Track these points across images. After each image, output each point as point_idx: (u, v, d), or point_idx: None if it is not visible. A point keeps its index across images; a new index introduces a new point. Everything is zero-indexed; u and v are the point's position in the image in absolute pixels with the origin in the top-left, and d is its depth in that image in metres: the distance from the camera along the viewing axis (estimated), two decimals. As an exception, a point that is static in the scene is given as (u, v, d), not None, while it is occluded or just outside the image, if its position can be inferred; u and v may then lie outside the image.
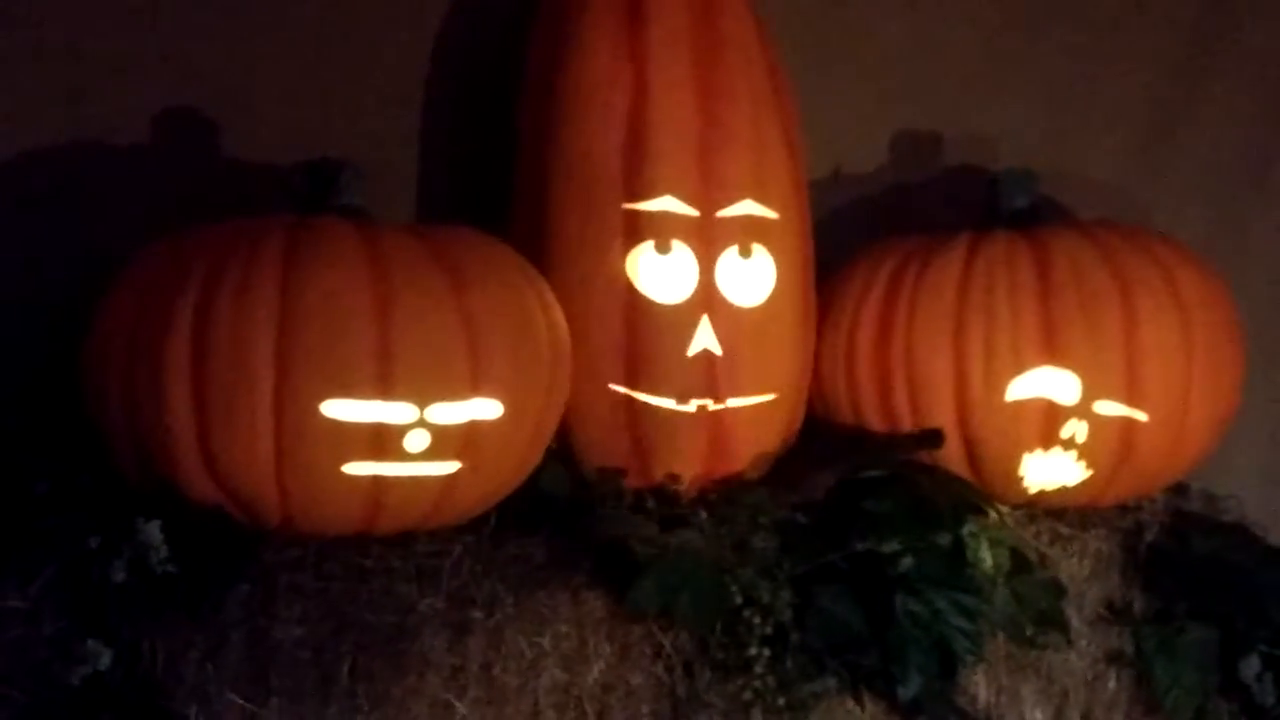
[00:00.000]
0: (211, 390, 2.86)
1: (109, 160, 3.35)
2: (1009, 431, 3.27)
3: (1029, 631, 3.17)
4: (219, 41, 3.40)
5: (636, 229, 3.20)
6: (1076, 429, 3.25)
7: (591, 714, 2.98)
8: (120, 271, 3.01)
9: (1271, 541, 3.41)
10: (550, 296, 3.10)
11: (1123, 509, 3.38)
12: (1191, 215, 3.84)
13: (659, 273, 3.19)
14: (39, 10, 3.34)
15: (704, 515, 3.10)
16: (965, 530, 3.13)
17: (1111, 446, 3.27)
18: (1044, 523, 3.30)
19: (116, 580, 2.79)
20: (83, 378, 3.00)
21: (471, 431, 2.94)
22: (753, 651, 2.98)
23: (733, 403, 3.24)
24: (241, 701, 2.82)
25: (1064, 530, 3.29)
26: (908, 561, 3.06)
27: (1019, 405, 3.26)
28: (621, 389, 3.21)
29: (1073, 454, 3.27)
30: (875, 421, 3.35)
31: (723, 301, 3.21)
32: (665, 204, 3.19)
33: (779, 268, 3.26)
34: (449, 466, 2.95)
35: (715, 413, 3.22)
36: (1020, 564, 3.18)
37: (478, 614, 2.91)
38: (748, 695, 2.99)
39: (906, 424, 3.32)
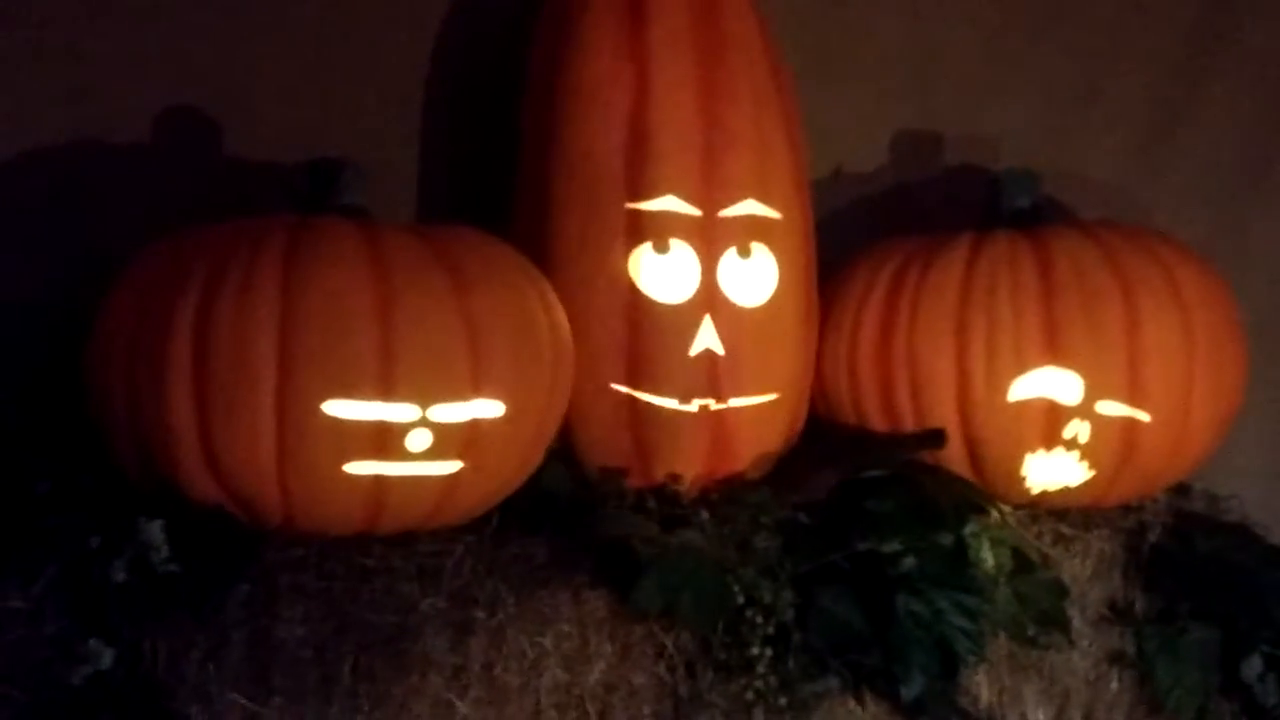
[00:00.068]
0: (213, 390, 2.86)
1: (110, 160, 3.35)
2: (1011, 431, 3.27)
3: (1031, 632, 3.17)
4: (219, 41, 3.40)
5: (638, 229, 3.19)
6: (1079, 429, 3.25)
7: (593, 714, 2.98)
8: (122, 271, 3.01)
9: (1273, 541, 3.41)
10: (552, 296, 3.09)
11: (1125, 509, 3.37)
12: (1191, 215, 3.84)
13: (661, 272, 3.19)
14: (39, 10, 3.33)
15: (706, 515, 3.10)
16: (967, 530, 3.13)
17: (1114, 447, 3.26)
18: (1046, 523, 3.30)
19: (118, 580, 2.79)
20: (84, 377, 3.00)
21: (473, 431, 2.94)
22: (755, 651, 2.98)
23: (735, 402, 3.24)
24: (243, 701, 2.82)
25: (1066, 530, 3.29)
26: (910, 561, 3.06)
27: (1021, 405, 3.26)
28: (623, 389, 3.21)
29: (1075, 454, 3.26)
30: (877, 421, 3.35)
31: (725, 301, 3.21)
32: (667, 204, 3.19)
33: (781, 267, 3.25)
34: (451, 466, 2.95)
35: (717, 412, 3.22)
36: (1022, 564, 3.18)
37: (480, 613, 2.91)
38: (750, 695, 2.99)
39: (908, 424, 3.32)
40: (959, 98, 3.79)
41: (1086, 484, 3.30)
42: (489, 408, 2.95)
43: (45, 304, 3.24)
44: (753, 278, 3.23)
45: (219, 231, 2.98)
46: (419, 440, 2.90)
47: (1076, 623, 3.22)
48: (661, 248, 3.19)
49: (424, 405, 2.89)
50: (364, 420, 2.87)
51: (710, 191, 3.21)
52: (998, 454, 3.28)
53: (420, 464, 2.92)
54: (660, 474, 3.23)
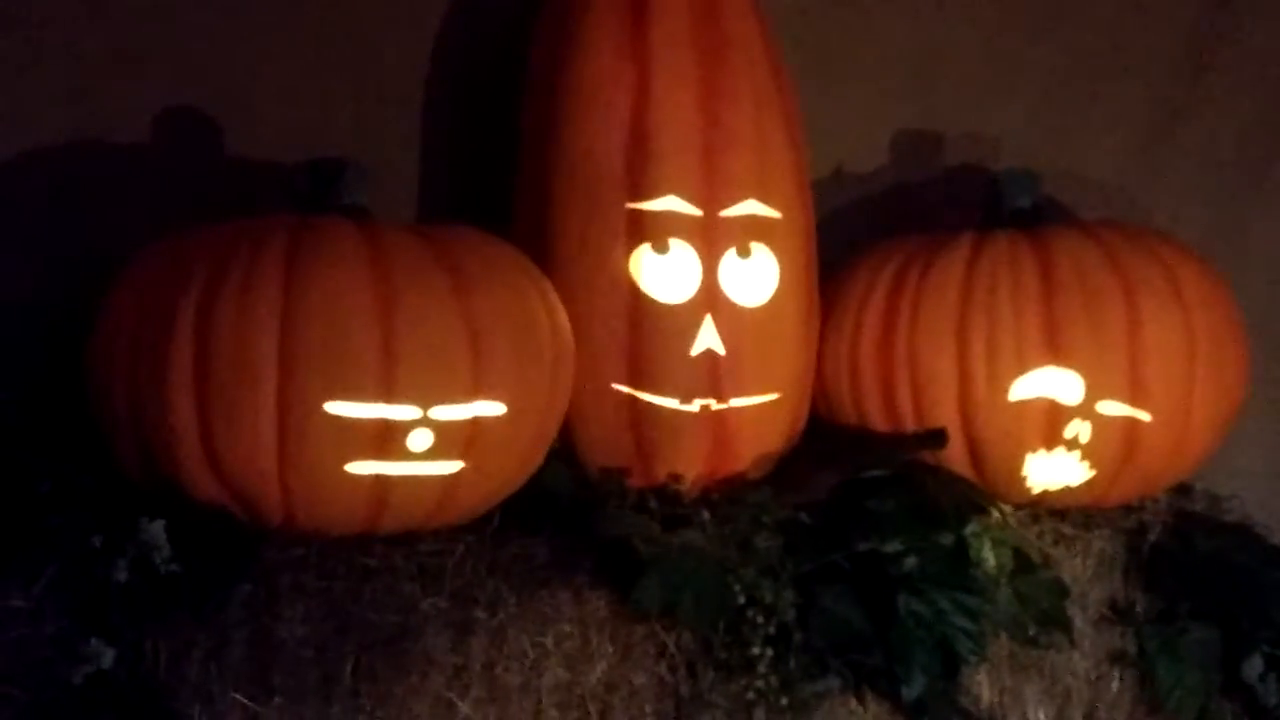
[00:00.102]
0: (214, 390, 2.86)
1: (110, 160, 3.35)
2: (1012, 431, 3.26)
3: (1032, 632, 3.17)
4: (220, 41, 3.39)
5: (639, 228, 3.19)
6: (1080, 429, 3.25)
7: (594, 713, 2.98)
8: (123, 271, 3.01)
9: (1275, 542, 3.41)
10: (553, 296, 3.09)
11: (1126, 509, 3.37)
12: (1191, 215, 3.84)
13: (662, 272, 3.19)
14: (39, 10, 3.33)
15: (707, 515, 3.10)
16: (968, 530, 3.13)
17: (1114, 446, 3.26)
18: (1047, 523, 3.30)
19: (119, 579, 2.78)
20: (86, 377, 3.00)
21: (474, 431, 2.94)
22: (756, 651, 2.98)
23: (736, 402, 3.24)
24: (244, 701, 2.82)
25: (1067, 530, 3.29)
26: (911, 561, 3.06)
27: (1022, 405, 3.26)
28: (625, 389, 3.21)
29: (1076, 454, 3.26)
30: (878, 421, 3.35)
31: (726, 301, 3.21)
32: (669, 204, 3.19)
33: (782, 267, 3.25)
34: (452, 466, 2.95)
35: (718, 412, 3.22)
36: (1023, 564, 3.18)
37: (480, 613, 2.91)
38: (751, 695, 2.99)
39: (909, 424, 3.32)
40: (959, 97, 3.79)
41: (1087, 484, 3.30)
42: (490, 408, 2.95)
43: (46, 304, 3.24)
44: (753, 278, 3.23)
45: (220, 231, 2.98)
46: (420, 440, 2.90)
47: (1077, 623, 3.22)
48: (662, 248, 3.19)
49: (425, 405, 2.89)
50: (365, 420, 2.87)
51: (711, 191, 3.20)
52: (999, 454, 3.28)
53: (421, 464, 2.92)
54: (661, 474, 3.22)
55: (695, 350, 3.20)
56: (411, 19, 3.51)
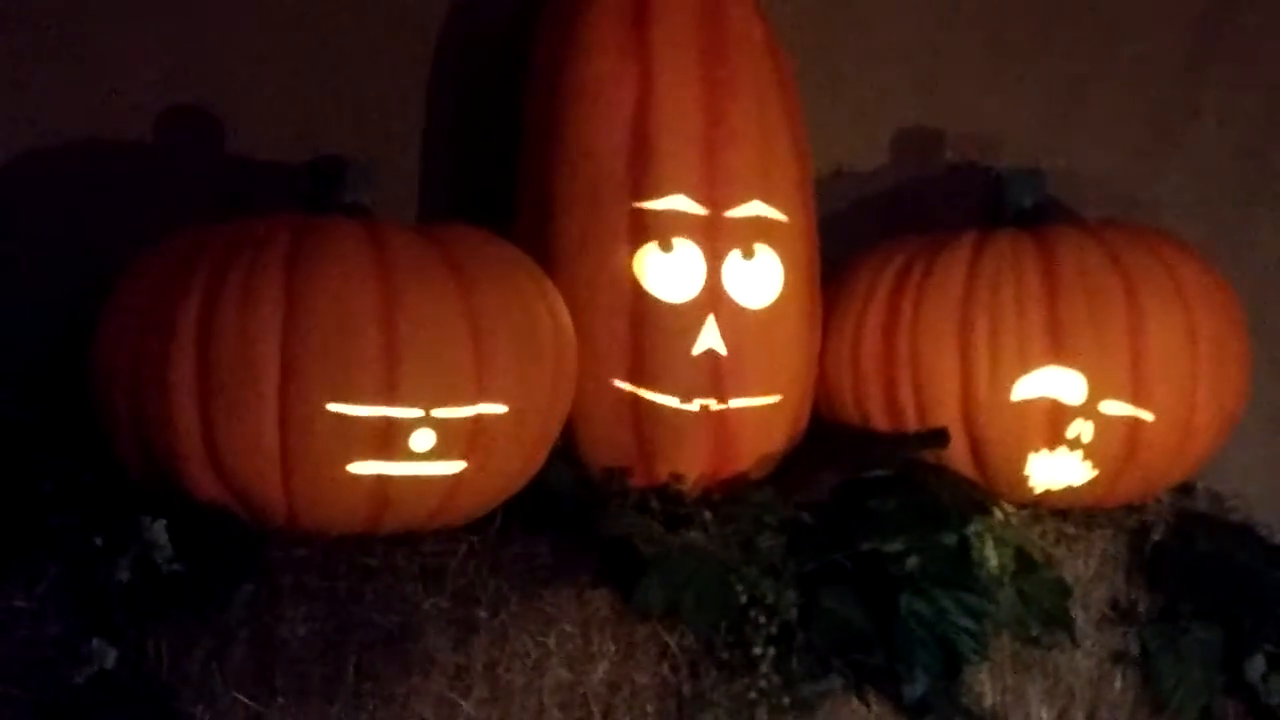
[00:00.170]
0: (216, 390, 2.86)
1: (112, 159, 3.34)
2: (1014, 431, 3.26)
3: (1034, 631, 3.17)
4: (221, 40, 3.39)
5: (645, 227, 3.19)
6: (1082, 429, 3.25)
7: (597, 713, 2.98)
8: (125, 270, 3.00)
9: (1277, 541, 3.41)
10: (556, 296, 3.09)
11: (1128, 508, 3.37)
12: (1192, 215, 3.84)
13: (666, 271, 3.19)
14: (40, 9, 3.33)
15: (709, 515, 3.10)
16: (970, 530, 3.13)
17: (1117, 446, 3.26)
18: (1049, 522, 3.29)
19: (121, 580, 2.78)
20: (88, 376, 3.00)
21: (477, 431, 2.93)
22: (758, 651, 2.98)
23: (736, 403, 3.23)
24: (246, 700, 2.82)
25: (1069, 530, 3.29)
26: (913, 561, 3.06)
27: (1025, 405, 3.26)
28: (626, 387, 3.21)
29: (1078, 454, 3.26)
30: (880, 421, 3.35)
31: (729, 302, 3.21)
32: (675, 202, 3.18)
33: (786, 269, 3.25)
34: (454, 466, 2.94)
35: (720, 413, 3.21)
36: (1026, 564, 3.18)
37: (483, 613, 2.91)
38: (753, 695, 2.99)
39: (912, 423, 3.31)
40: (960, 96, 3.78)
41: (1090, 483, 3.30)
42: (492, 407, 2.94)
43: (48, 303, 3.24)
44: (757, 279, 3.23)
45: (222, 231, 2.98)
46: (422, 440, 2.90)
47: (1080, 622, 3.22)
48: (666, 246, 3.19)
49: (427, 405, 2.89)
50: (367, 420, 2.87)
51: (715, 191, 3.20)
52: (1001, 453, 3.28)
53: (424, 464, 2.92)
54: (663, 474, 3.22)
55: (697, 350, 3.20)
56: (414, 18, 3.51)
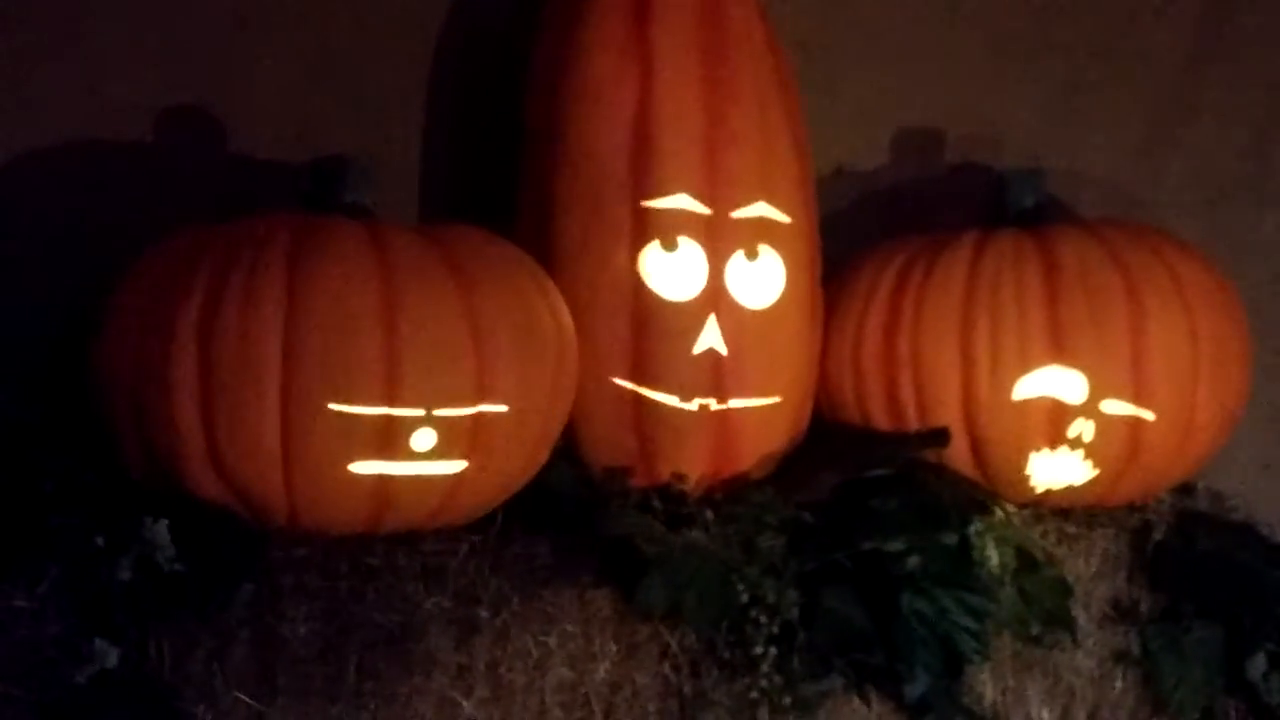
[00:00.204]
0: (218, 389, 2.86)
1: (113, 158, 3.34)
2: (1016, 430, 3.26)
3: (1035, 630, 3.17)
4: (222, 39, 3.39)
5: (649, 226, 3.19)
6: (1083, 428, 3.25)
7: (598, 713, 2.98)
8: (127, 269, 3.00)
9: (1278, 540, 3.41)
10: (556, 296, 3.09)
11: (1129, 508, 3.37)
12: (1193, 214, 3.83)
13: (669, 270, 3.19)
14: (40, 9, 3.32)
15: (710, 514, 3.10)
16: (971, 529, 3.13)
17: (1118, 446, 3.26)
18: (1050, 522, 3.29)
19: (123, 579, 2.78)
20: (90, 376, 3.00)
21: (478, 430, 2.93)
22: (759, 650, 2.98)
23: (735, 403, 3.23)
24: (248, 700, 2.82)
25: (1070, 529, 3.29)
26: (914, 560, 3.06)
27: (1026, 404, 3.26)
28: (627, 384, 3.20)
29: (1079, 453, 3.26)
30: (882, 420, 3.35)
31: (731, 302, 3.21)
32: (680, 201, 3.18)
33: (789, 271, 3.25)
34: (455, 465, 2.94)
35: (721, 413, 3.21)
36: (1027, 563, 3.18)
37: (484, 613, 2.92)
38: (754, 694, 2.99)
39: (913, 423, 3.31)
40: (961, 96, 3.78)
41: (1091, 483, 3.30)
42: (493, 407, 2.94)
43: (49, 303, 3.24)
44: (760, 280, 3.23)
45: (223, 231, 2.98)
46: (424, 440, 2.90)
47: (1081, 621, 3.22)
48: (670, 245, 3.19)
49: (428, 405, 2.89)
50: (369, 420, 2.87)
51: (716, 191, 3.20)
52: (1002, 453, 3.28)
53: (425, 463, 2.92)
54: (664, 473, 3.22)
55: (697, 349, 3.20)
56: (415, 17, 3.51)
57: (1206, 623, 3.26)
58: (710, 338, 3.20)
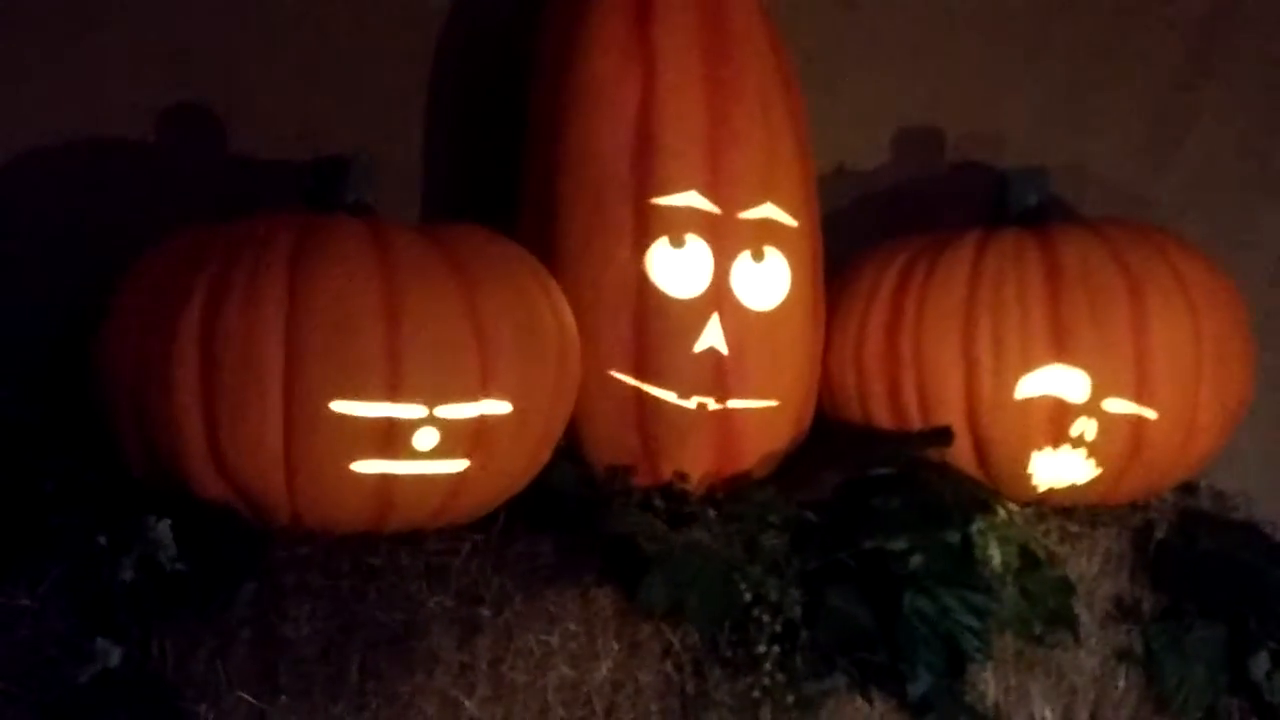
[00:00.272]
0: (220, 389, 2.86)
1: (114, 158, 3.34)
2: (1018, 429, 3.26)
3: (1038, 629, 3.17)
4: (224, 39, 3.39)
5: (656, 222, 3.18)
6: (1086, 427, 3.25)
7: (600, 712, 2.98)
8: (129, 269, 3.00)
9: (1280, 539, 3.42)
10: (558, 295, 3.09)
11: (1132, 507, 3.37)
12: (1195, 213, 3.83)
13: (674, 267, 3.19)
14: (41, 9, 3.32)
15: (713, 513, 3.10)
16: (974, 528, 3.13)
17: (1121, 444, 3.26)
18: (1053, 520, 3.29)
19: (125, 579, 2.78)
20: (91, 376, 3.00)
21: (480, 429, 2.93)
22: (762, 649, 2.98)
23: (734, 404, 3.23)
24: (250, 699, 2.82)
25: (1073, 528, 3.29)
26: (917, 559, 3.06)
27: (1028, 403, 3.26)
28: (629, 380, 3.20)
29: (1082, 452, 3.26)
30: (884, 419, 3.35)
31: (734, 302, 3.21)
32: (689, 199, 3.18)
33: (793, 273, 3.25)
34: (458, 465, 2.94)
35: (724, 412, 3.21)
36: (1029, 562, 3.18)
37: (486, 612, 2.91)
38: (757, 693, 2.99)
39: (915, 422, 3.32)
40: (962, 95, 3.79)
41: (1093, 482, 3.30)
42: (496, 406, 2.94)
43: (50, 302, 3.24)
44: (764, 281, 3.23)
45: (225, 231, 2.98)
46: (426, 439, 2.90)
47: (1084, 620, 3.22)
48: (678, 242, 3.19)
49: (431, 404, 2.89)
50: (371, 419, 2.87)
51: (724, 190, 3.20)
52: (1005, 452, 3.28)
53: (427, 462, 2.92)
54: (667, 472, 3.22)
55: (699, 347, 3.20)
56: (417, 16, 3.51)
57: (1209, 622, 3.26)
58: (712, 337, 3.20)
